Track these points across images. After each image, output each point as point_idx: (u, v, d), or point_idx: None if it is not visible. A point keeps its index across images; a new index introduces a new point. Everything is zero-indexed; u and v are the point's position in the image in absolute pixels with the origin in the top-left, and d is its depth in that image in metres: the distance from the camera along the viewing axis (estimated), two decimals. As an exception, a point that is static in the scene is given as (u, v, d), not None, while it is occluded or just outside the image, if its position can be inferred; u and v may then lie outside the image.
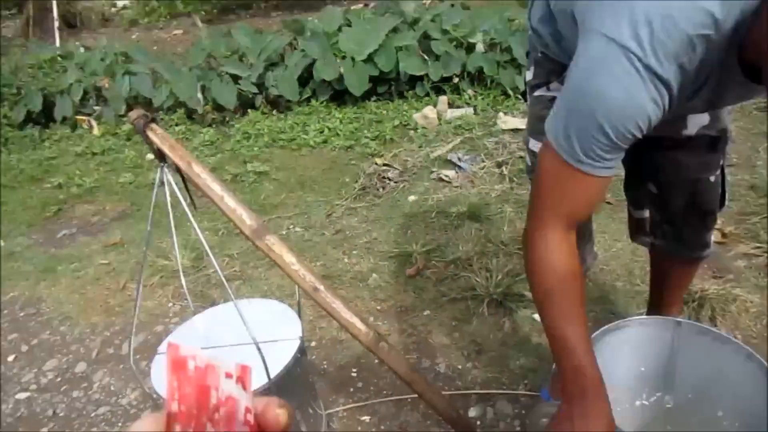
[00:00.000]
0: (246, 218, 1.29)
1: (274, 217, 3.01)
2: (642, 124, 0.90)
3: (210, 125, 4.19)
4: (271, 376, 1.44)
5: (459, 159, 3.16)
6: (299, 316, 1.68)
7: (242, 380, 0.34)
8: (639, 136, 0.92)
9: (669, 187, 1.41)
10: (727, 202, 1.49)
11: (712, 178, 1.39)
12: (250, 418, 0.34)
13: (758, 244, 2.34)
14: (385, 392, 1.89)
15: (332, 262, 2.58)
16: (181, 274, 1.60)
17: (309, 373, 1.71)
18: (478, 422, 1.75)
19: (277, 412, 0.35)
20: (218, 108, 4.18)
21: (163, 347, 1.63)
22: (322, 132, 3.82)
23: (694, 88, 0.90)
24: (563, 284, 1.03)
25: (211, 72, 4.36)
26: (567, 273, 1.02)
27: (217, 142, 3.97)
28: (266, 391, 1.47)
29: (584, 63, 0.93)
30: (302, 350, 1.60)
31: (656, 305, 1.74)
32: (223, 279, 1.33)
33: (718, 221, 1.52)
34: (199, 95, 4.15)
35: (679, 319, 1.28)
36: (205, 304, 2.27)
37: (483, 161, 3.16)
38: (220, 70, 4.29)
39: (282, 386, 1.53)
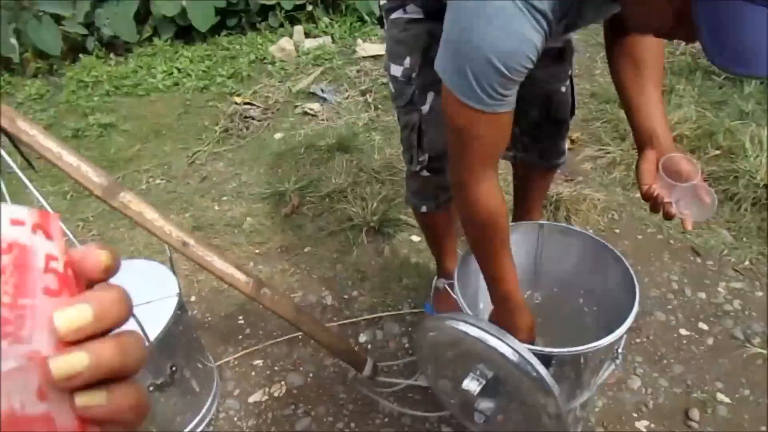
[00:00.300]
0: (93, 176, 1.17)
1: (129, 171, 2.78)
2: (531, 55, 0.92)
3: (35, 76, 3.69)
4: (151, 339, 1.37)
5: (322, 91, 3.09)
6: (173, 272, 1.59)
7: (43, 228, 0.29)
8: (531, 66, 0.95)
9: (525, 101, 1.48)
10: (576, 111, 1.60)
11: (563, 89, 1.48)
12: (57, 265, 0.29)
13: (601, 147, 2.57)
14: (274, 334, 1.88)
15: (202, 212, 2.46)
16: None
17: (192, 329, 1.65)
18: (369, 345, 1.81)
19: (97, 253, 0.31)
20: (42, 55, 3.68)
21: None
22: (171, 74, 3.52)
23: (563, 13, 0.92)
24: (497, 226, 1.11)
25: (24, 12, 3.78)
26: (500, 215, 1.10)
27: (47, 95, 3.52)
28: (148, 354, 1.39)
29: (463, 5, 0.92)
30: (181, 307, 1.53)
31: (520, 213, 1.86)
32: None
33: (569, 129, 1.63)
34: (13, 40, 3.61)
35: (541, 222, 1.37)
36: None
37: (347, 91, 3.11)
38: (35, 10, 3.73)
39: (165, 347, 1.46)
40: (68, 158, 1.16)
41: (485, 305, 1.50)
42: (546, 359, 1.10)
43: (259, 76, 3.41)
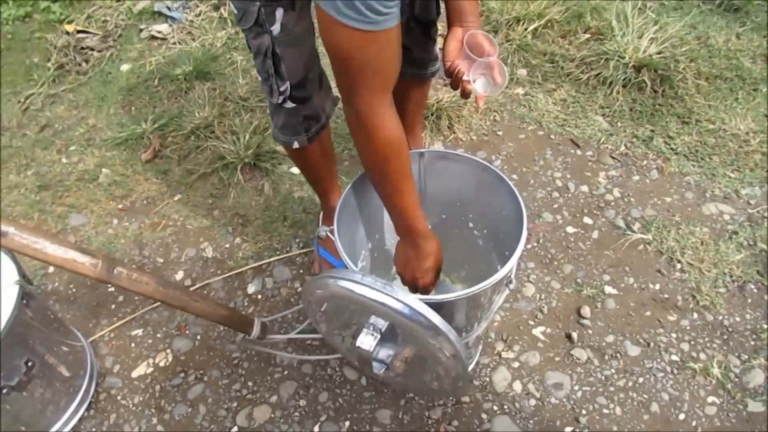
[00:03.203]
0: None
1: (-52, 128, 2.34)
2: None
3: None
4: (-10, 344, 1.16)
5: (168, 9, 2.70)
6: (11, 255, 1.35)
7: None
8: None
9: None
10: (441, 9, 1.47)
11: None
12: None
13: (477, 45, 2.47)
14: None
15: (47, 167, 2.13)
16: None
17: (47, 311, 1.44)
18: (259, 296, 1.69)
19: None
20: None
21: None
22: (-19, 1, 2.95)
23: None
24: (400, 155, 1.04)
25: None
26: (400, 141, 1.03)
27: None
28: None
29: None
30: (26, 294, 1.31)
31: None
32: None
33: (438, 29, 1.50)
34: None
35: (422, 150, 1.27)
36: None
37: (197, 6, 2.74)
38: None
39: (13, 342, 1.26)
40: None
41: (375, 242, 1.41)
42: (438, 304, 1.03)
43: (91, -3, 2.93)
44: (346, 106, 1.01)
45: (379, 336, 1.02)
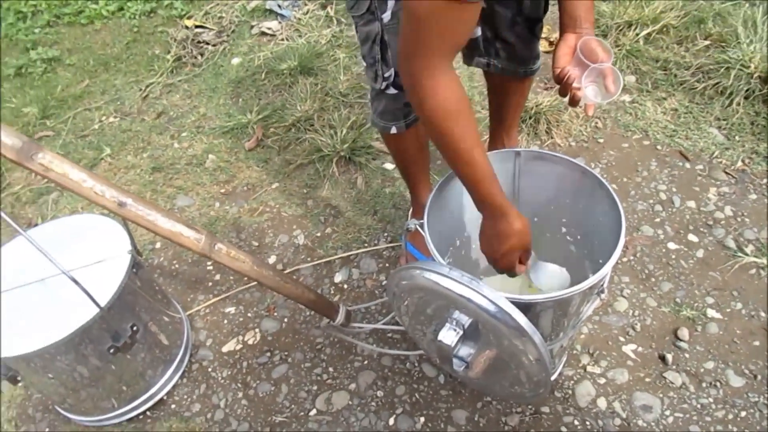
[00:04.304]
0: (2, 137, 1.01)
1: (80, 110, 2.58)
2: None
3: (-32, 9, 3.38)
4: (101, 305, 1.27)
5: (279, 6, 2.83)
6: (126, 227, 1.47)
7: None
8: None
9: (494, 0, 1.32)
10: (550, 7, 1.44)
11: None
12: None
13: (583, 49, 2.39)
14: (246, 279, 1.79)
15: (161, 151, 2.30)
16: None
17: (153, 282, 1.55)
18: (345, 285, 1.73)
19: None
20: (-27, -15, 3.35)
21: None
22: (114, -3, 3.22)
23: None
24: (462, 119, 1.00)
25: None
26: (460, 105, 0.99)
27: (-17, 30, 3.23)
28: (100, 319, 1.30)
29: None
30: (136, 264, 1.42)
31: (497, 128, 1.73)
32: (9, 221, 1.08)
33: (544, 29, 1.47)
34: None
35: (518, 149, 1.24)
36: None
37: (306, 4, 2.85)
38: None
39: (121, 307, 1.37)
40: (-30, 116, 1.00)
41: (464, 240, 1.40)
42: (526, 306, 1.01)
43: (210, -6, 3.12)
44: (403, 67, 0.99)
45: (461, 332, 1.01)
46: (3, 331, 1.30)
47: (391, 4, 1.18)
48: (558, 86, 1.09)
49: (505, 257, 1.10)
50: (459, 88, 0.99)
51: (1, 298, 1.36)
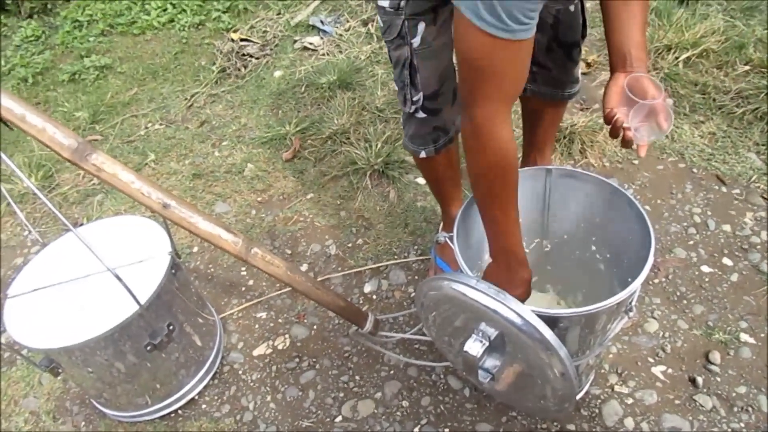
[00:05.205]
0: (60, 137, 1.08)
1: (127, 116, 2.69)
2: None
3: (30, 16, 3.56)
4: (141, 302, 1.32)
5: (322, 22, 2.91)
6: (167, 230, 1.53)
7: None
8: None
9: None
10: (588, 30, 1.45)
11: (572, 8, 1.33)
12: None
13: (621, 70, 2.38)
14: (277, 285, 1.84)
15: (202, 158, 2.38)
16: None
17: (190, 284, 1.60)
18: (374, 296, 1.76)
19: None
20: (35, -6, 3.54)
21: (12, 290, 1.45)
22: (165, 10, 3.35)
23: None
24: (509, 174, 1.02)
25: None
26: (512, 157, 1.01)
27: (42, 36, 3.40)
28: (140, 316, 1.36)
29: None
30: (175, 265, 1.48)
31: (530, 150, 1.74)
32: (57, 213, 1.14)
33: (582, 52, 1.48)
34: (5, -20, 3.46)
35: (549, 167, 1.26)
36: (66, 226, 2.05)
37: (347, 21, 2.92)
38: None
39: (160, 306, 1.42)
40: (32, 120, 1.07)
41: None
42: (552, 320, 1.02)
43: (256, 9, 3.22)
44: (463, 113, 1.01)
45: (487, 343, 1.03)
46: (48, 325, 1.37)
47: (420, 29, 1.21)
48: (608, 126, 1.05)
49: None
50: (513, 142, 1.01)
51: (47, 293, 1.43)
